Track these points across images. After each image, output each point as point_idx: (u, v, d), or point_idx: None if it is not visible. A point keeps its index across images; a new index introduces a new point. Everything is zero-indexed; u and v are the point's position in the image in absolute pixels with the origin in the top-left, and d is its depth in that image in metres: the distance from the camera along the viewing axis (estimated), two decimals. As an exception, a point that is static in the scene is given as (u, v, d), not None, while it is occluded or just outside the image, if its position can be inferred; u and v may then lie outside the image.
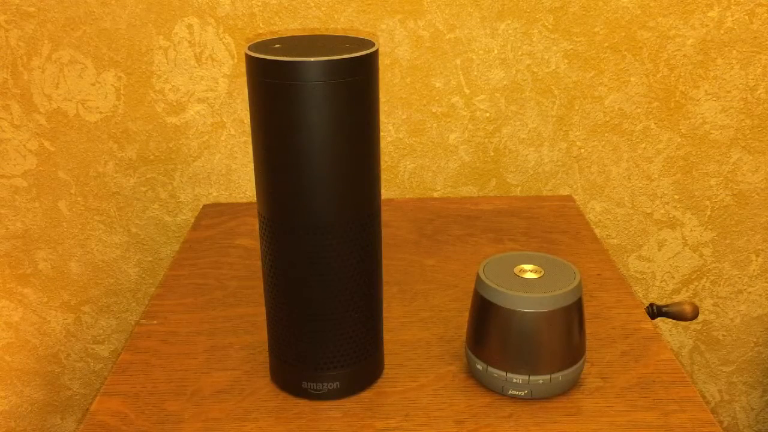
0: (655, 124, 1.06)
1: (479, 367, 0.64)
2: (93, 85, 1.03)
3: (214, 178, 1.08)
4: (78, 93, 1.03)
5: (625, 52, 1.02)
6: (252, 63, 0.56)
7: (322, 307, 0.61)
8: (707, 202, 1.11)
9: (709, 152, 1.08)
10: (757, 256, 1.14)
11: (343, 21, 1.00)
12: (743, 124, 1.06)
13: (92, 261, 1.12)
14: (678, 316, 0.89)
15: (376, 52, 0.57)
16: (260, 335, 0.74)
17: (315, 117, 0.55)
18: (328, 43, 0.59)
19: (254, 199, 1.10)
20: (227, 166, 1.08)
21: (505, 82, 1.04)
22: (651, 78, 1.04)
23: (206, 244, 0.94)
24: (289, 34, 1.01)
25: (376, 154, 0.60)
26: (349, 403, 0.64)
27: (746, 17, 1.01)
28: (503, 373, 0.63)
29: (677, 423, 0.61)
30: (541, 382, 0.62)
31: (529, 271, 0.64)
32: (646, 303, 1.17)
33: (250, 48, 0.57)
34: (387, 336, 0.74)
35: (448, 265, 0.87)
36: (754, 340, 1.19)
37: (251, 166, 1.08)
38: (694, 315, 0.88)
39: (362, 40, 0.60)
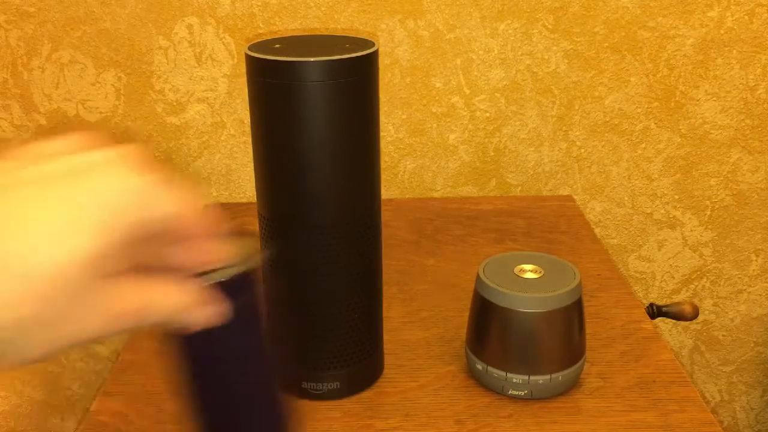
0: (655, 124, 1.06)
1: (479, 367, 0.64)
2: (93, 85, 1.03)
3: (214, 178, 1.08)
4: (78, 93, 1.03)
5: (625, 52, 1.02)
6: (252, 63, 0.56)
7: (322, 307, 0.61)
8: (707, 202, 1.11)
9: (709, 152, 1.08)
10: (757, 256, 1.14)
11: (343, 21, 1.00)
12: (743, 124, 1.06)
13: (92, 261, 1.12)
14: (678, 316, 0.89)
15: (376, 52, 0.57)
16: (260, 335, 0.74)
17: (315, 117, 0.55)
18: (328, 43, 0.59)
19: (254, 199, 1.10)
20: (227, 166, 1.08)
21: (505, 82, 1.04)
22: (651, 78, 1.04)
23: (206, 244, 0.93)
24: (289, 34, 1.01)
25: (376, 154, 0.60)
26: (349, 403, 0.64)
27: (746, 17, 1.01)
28: (503, 373, 0.63)
29: (677, 423, 0.61)
30: (541, 382, 0.62)
31: (529, 271, 0.64)
32: (646, 303, 1.17)
33: (250, 48, 0.57)
34: (387, 336, 0.73)
35: (448, 265, 0.87)
36: (754, 340, 1.19)
37: (251, 166, 1.08)
38: (694, 315, 0.88)
39: (362, 40, 0.60)
